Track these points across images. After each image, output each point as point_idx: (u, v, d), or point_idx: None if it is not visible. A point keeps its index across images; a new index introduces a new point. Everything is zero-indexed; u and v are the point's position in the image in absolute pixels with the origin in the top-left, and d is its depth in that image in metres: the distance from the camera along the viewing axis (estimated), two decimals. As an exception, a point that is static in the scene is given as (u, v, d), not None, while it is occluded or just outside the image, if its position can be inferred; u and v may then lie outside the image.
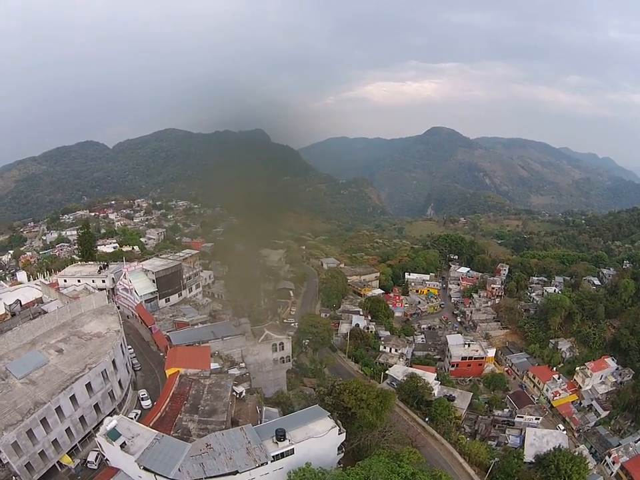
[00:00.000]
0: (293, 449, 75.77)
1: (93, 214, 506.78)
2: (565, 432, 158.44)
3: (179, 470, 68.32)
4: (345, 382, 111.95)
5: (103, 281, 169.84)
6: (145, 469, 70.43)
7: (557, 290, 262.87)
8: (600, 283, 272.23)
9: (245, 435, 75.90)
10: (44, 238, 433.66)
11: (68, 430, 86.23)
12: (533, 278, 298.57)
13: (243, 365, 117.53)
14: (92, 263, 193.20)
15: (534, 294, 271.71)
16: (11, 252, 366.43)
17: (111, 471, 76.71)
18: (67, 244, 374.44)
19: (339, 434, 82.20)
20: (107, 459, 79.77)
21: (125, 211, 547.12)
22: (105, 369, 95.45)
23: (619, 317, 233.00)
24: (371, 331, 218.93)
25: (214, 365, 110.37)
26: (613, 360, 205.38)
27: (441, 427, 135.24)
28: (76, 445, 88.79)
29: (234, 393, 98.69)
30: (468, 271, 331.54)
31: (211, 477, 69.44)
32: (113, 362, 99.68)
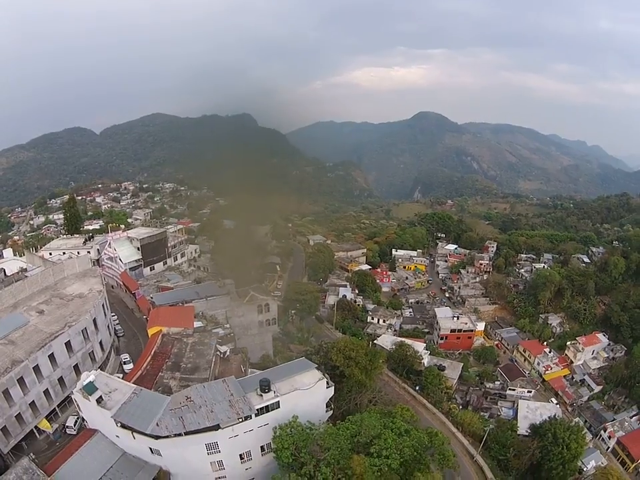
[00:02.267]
0: (279, 402, 72.76)
1: (80, 197, 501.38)
2: (558, 405, 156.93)
3: (157, 425, 65.70)
4: (332, 341, 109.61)
5: (88, 252, 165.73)
6: (122, 426, 67.93)
7: (545, 266, 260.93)
8: (589, 261, 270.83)
9: (228, 388, 72.84)
10: (31, 222, 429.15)
11: (46, 392, 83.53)
12: (522, 255, 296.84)
13: (227, 326, 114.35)
14: (77, 236, 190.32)
15: (522, 270, 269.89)
16: (4, 255, 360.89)
17: (88, 433, 74.24)
18: (54, 225, 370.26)
19: (327, 387, 79.20)
20: (85, 422, 77.14)
21: (111, 194, 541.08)
22: (85, 328, 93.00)
23: (609, 293, 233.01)
24: (359, 304, 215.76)
25: (197, 324, 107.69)
26: (604, 335, 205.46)
27: (431, 396, 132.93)
28: (55, 409, 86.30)
29: (218, 352, 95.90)
30: (456, 248, 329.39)
31: (191, 433, 66.90)
32: (94, 321, 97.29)
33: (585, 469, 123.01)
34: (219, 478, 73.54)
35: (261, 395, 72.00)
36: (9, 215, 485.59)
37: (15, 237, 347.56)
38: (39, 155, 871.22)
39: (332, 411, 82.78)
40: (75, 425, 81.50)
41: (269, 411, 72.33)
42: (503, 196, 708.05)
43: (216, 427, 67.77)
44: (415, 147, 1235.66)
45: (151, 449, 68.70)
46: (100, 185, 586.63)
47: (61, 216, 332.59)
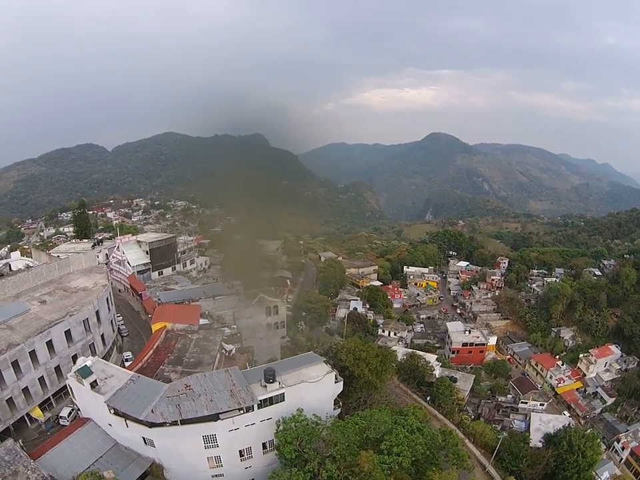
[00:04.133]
0: (284, 394, 69.12)
1: (91, 212, 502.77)
2: (570, 418, 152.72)
3: (152, 411, 62.47)
4: (342, 342, 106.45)
5: (97, 256, 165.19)
6: (115, 413, 65.08)
7: (557, 280, 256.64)
8: (601, 274, 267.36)
9: (230, 377, 69.48)
10: (42, 234, 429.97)
11: (41, 379, 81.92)
12: (533, 270, 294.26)
13: (234, 326, 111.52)
14: (86, 240, 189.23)
15: (534, 285, 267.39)
16: (9, 246, 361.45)
17: (80, 422, 71.89)
18: (64, 236, 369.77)
19: (335, 382, 75.64)
20: (79, 411, 74.50)
21: (123, 210, 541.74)
22: (87, 318, 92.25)
23: (621, 305, 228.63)
24: (370, 318, 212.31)
25: (203, 322, 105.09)
26: (617, 347, 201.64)
27: (443, 407, 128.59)
28: (49, 398, 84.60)
29: (223, 350, 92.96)
30: (467, 265, 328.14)
31: (188, 422, 63.66)
32: (97, 313, 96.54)
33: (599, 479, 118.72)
34: (216, 476, 69.99)
35: (265, 386, 68.45)
36: (20, 226, 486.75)
37: (24, 246, 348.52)
38: (50, 169, 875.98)
39: (340, 409, 78.78)
40: (68, 416, 79.33)
41: (272, 404, 68.74)
42: (514, 216, 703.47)
43: (215, 418, 64.43)
44: (426, 168, 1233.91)
45: (144, 439, 65.47)
46: (111, 201, 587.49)
47: (71, 229, 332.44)
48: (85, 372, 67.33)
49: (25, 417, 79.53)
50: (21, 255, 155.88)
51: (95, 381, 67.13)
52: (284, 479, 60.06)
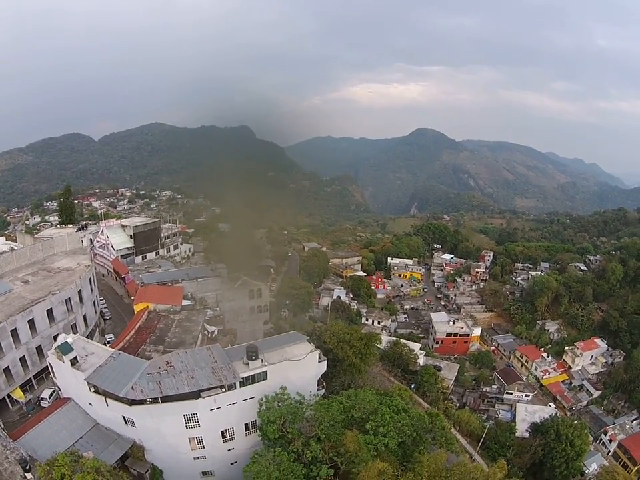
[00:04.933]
0: (266, 372, 67.51)
1: (76, 201, 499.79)
2: (556, 410, 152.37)
3: (132, 388, 60.53)
4: (326, 325, 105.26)
5: (81, 240, 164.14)
6: (95, 391, 63.22)
7: (543, 274, 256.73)
8: (587, 269, 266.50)
9: (212, 355, 67.67)
10: (27, 222, 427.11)
11: (23, 360, 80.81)
12: (518, 264, 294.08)
13: (217, 309, 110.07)
14: (71, 226, 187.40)
15: (519, 278, 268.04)
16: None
17: (61, 402, 69.90)
18: (49, 225, 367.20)
19: (319, 361, 74.22)
20: (59, 391, 72.34)
21: (108, 199, 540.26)
22: (69, 298, 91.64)
23: (607, 300, 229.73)
24: (353, 308, 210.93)
25: (186, 303, 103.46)
26: (602, 341, 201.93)
27: (427, 395, 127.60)
28: (30, 379, 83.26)
29: (205, 332, 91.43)
30: (452, 257, 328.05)
31: (168, 400, 61.93)
32: (79, 293, 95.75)
33: (587, 471, 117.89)
34: (198, 458, 68.48)
35: (248, 364, 66.79)
36: (5, 215, 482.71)
37: (10, 234, 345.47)
38: (37, 159, 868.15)
39: (324, 390, 77.34)
40: (50, 398, 77.80)
41: (255, 382, 67.09)
42: (500, 212, 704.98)
43: (196, 396, 62.73)
44: (412, 163, 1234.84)
45: (124, 418, 63.70)
46: (97, 190, 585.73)
47: (57, 217, 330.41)
48: (65, 348, 65.47)
49: (6, 399, 78.32)
50: (6, 241, 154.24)
51: (76, 357, 65.26)
52: (267, 459, 58.52)
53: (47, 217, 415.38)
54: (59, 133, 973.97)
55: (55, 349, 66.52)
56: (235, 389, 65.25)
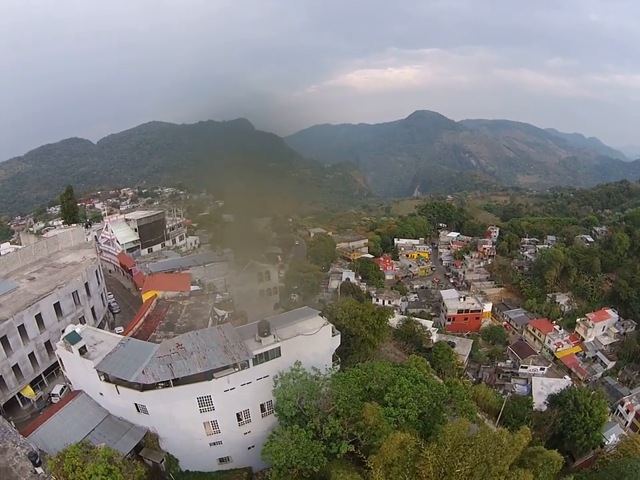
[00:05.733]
0: (280, 348, 65.73)
1: (79, 204, 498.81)
2: (572, 382, 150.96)
3: (143, 372, 58.96)
4: (337, 302, 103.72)
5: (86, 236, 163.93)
6: (105, 380, 61.66)
7: (550, 247, 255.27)
8: (593, 240, 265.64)
9: (223, 334, 65.93)
10: (31, 229, 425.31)
11: (32, 356, 79.46)
12: (525, 239, 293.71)
13: (226, 293, 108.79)
14: (75, 225, 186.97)
15: (526, 252, 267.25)
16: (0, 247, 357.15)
17: (72, 395, 68.19)
18: (53, 228, 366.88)
19: (333, 335, 72.48)
20: (70, 384, 70.90)
21: (111, 200, 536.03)
22: (76, 291, 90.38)
23: (616, 270, 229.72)
24: (363, 289, 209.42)
25: (194, 288, 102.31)
26: (613, 311, 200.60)
27: (443, 372, 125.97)
28: (41, 376, 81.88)
29: (215, 317, 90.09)
30: (458, 235, 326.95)
31: (181, 383, 60.65)
32: (86, 286, 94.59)
33: (606, 442, 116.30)
34: (214, 444, 67.05)
35: (260, 340, 65.21)
36: (9, 224, 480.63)
37: (15, 241, 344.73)
38: (37, 166, 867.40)
39: (339, 365, 75.71)
40: (61, 394, 76.33)
41: (268, 359, 65.37)
42: (503, 189, 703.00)
43: (209, 377, 61.17)
44: (412, 145, 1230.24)
45: (136, 405, 62.20)
46: (99, 192, 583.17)
47: (61, 222, 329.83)
48: (73, 337, 63.95)
49: (17, 397, 77.20)
50: (11, 244, 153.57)
51: (84, 346, 63.67)
52: (285, 437, 57.02)
53: (50, 222, 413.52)
54: (57, 139, 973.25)
55: (62, 339, 65.06)
56: (248, 367, 63.60)
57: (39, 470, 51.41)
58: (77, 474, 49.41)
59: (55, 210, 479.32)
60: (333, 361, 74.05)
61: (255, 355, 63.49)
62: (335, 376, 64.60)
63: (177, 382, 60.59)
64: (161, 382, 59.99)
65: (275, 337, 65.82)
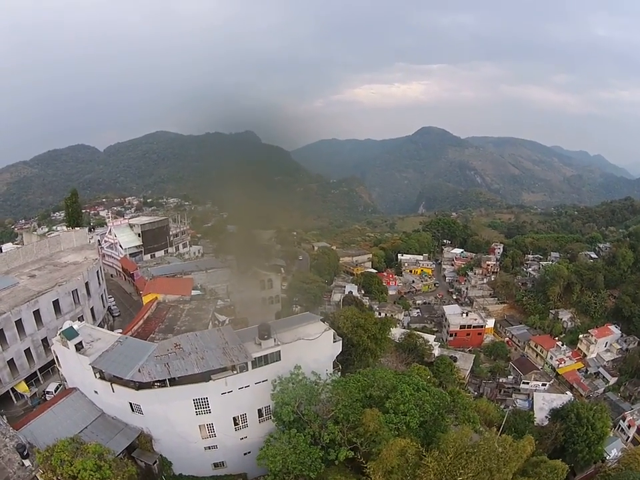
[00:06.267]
0: (280, 352, 64.51)
1: (83, 211, 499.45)
2: (574, 398, 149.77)
3: (139, 371, 57.89)
4: (339, 311, 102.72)
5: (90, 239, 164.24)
6: (101, 377, 60.67)
7: (553, 263, 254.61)
8: (597, 256, 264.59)
9: (223, 336, 64.95)
10: (35, 233, 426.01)
11: (28, 352, 79.17)
12: (528, 256, 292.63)
13: (227, 300, 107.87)
14: (78, 228, 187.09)
15: (530, 269, 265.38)
16: (2, 247, 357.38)
17: (66, 392, 67.20)
18: (57, 233, 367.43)
19: (334, 342, 71.37)
20: (65, 382, 69.92)
21: (115, 208, 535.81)
22: (76, 290, 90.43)
23: (619, 286, 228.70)
24: (365, 304, 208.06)
25: (196, 293, 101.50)
26: (616, 327, 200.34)
27: (445, 386, 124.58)
28: (36, 373, 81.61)
29: (216, 322, 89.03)
30: (462, 252, 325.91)
31: (177, 383, 59.60)
32: (87, 285, 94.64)
33: (607, 457, 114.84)
34: (209, 448, 65.75)
35: (260, 344, 64.00)
36: (13, 227, 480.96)
37: (18, 244, 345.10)
38: (42, 171, 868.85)
39: (340, 373, 74.51)
40: (55, 392, 75.19)
41: (268, 363, 64.15)
42: (507, 207, 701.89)
43: (206, 379, 60.08)
44: (418, 162, 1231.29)
45: (131, 404, 61.15)
46: (104, 200, 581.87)
47: (65, 227, 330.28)
48: (70, 333, 62.77)
49: (10, 393, 76.55)
50: (13, 244, 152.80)
51: (81, 342, 62.66)
52: (282, 441, 55.93)
53: (54, 227, 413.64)
54: (64, 145, 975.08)
55: (59, 334, 64.21)
56: (247, 370, 62.47)
57: (27, 462, 50.72)
58: (64, 468, 48.63)
59: (60, 215, 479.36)
60: (333, 368, 72.88)
61: (254, 358, 62.35)
62: (336, 381, 63.44)
63: (174, 382, 59.56)
64: (157, 381, 58.99)
65: (275, 340, 64.73)
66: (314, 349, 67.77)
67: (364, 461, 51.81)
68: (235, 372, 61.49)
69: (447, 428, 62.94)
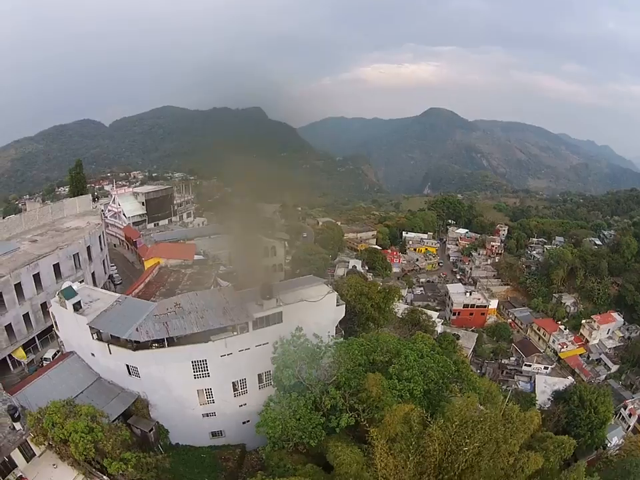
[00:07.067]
0: (281, 314, 62.87)
1: (89, 185, 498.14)
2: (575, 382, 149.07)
3: (137, 330, 56.50)
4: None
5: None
6: (98, 339, 59.18)
7: (557, 247, 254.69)
8: (601, 243, 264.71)
9: (224, 296, 63.64)
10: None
11: (26, 317, 77.21)
12: (533, 239, 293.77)
13: (231, 267, 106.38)
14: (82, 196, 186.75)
15: (534, 252, 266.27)
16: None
17: (63, 356, 66.30)
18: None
19: (337, 305, 69.93)
20: (63, 347, 68.45)
21: (121, 183, 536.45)
22: (77, 253, 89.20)
23: (623, 274, 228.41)
24: (369, 279, 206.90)
25: (198, 257, 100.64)
26: (619, 315, 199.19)
27: (449, 357, 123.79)
28: (34, 339, 79.68)
29: (218, 286, 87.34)
30: (466, 232, 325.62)
31: (176, 344, 58.22)
32: (88, 250, 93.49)
33: (609, 444, 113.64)
34: (207, 415, 64.66)
35: (262, 304, 62.19)
36: (17, 202, 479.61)
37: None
38: (47, 146, 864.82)
39: (342, 338, 72.90)
40: (53, 358, 73.39)
41: (269, 324, 62.51)
42: (513, 191, 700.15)
43: (206, 340, 58.62)
44: (424, 142, 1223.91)
45: (128, 367, 59.72)
46: (109, 174, 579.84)
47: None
48: (68, 293, 61.31)
49: (7, 359, 74.99)
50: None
51: (79, 302, 61.14)
52: (282, 405, 54.54)
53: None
54: (70, 120, 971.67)
55: (57, 294, 62.86)
56: (248, 331, 61.05)
57: (17, 426, 49.12)
58: (56, 431, 47.50)
59: (64, 190, 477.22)
60: (336, 333, 71.35)
61: (255, 319, 60.83)
62: (338, 344, 61.74)
63: (172, 343, 58.21)
64: (154, 342, 57.65)
65: (277, 300, 63.04)
66: (316, 311, 66.13)
67: (367, 425, 50.26)
68: (235, 333, 60.11)
69: (450, 399, 61.45)
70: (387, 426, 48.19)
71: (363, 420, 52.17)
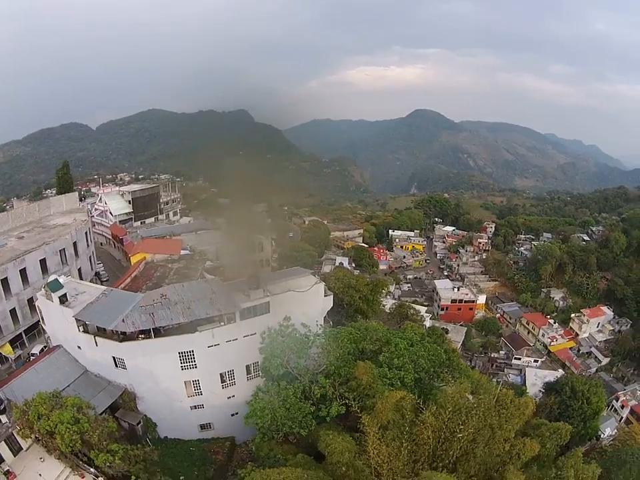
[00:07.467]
0: (269, 304, 62.08)
1: (75, 188, 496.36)
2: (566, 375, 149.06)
3: (123, 321, 55.72)
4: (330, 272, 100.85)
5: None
6: (84, 331, 58.48)
7: (545, 242, 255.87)
8: (589, 239, 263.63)
9: (210, 287, 62.77)
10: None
11: (13, 312, 77.16)
12: (520, 236, 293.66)
13: (217, 262, 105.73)
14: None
15: (522, 248, 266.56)
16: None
17: (49, 350, 65.68)
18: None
19: (325, 296, 69.02)
20: (50, 341, 67.46)
21: (107, 185, 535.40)
22: (64, 249, 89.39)
23: (611, 269, 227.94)
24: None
25: (185, 252, 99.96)
26: (608, 308, 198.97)
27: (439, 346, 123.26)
28: (21, 335, 79.45)
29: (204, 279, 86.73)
30: (453, 229, 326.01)
31: (162, 334, 57.59)
32: (75, 245, 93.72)
33: (602, 435, 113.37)
34: (195, 407, 63.78)
35: (248, 295, 61.42)
36: (5, 205, 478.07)
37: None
38: (35, 149, 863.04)
39: (331, 327, 72.26)
40: (40, 353, 72.22)
41: (256, 315, 61.63)
42: (500, 190, 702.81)
43: (192, 330, 57.94)
44: (411, 144, 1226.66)
45: (114, 359, 58.94)
46: (96, 176, 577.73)
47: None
48: (54, 285, 60.79)
49: (-6, 355, 73.99)
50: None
51: (65, 295, 60.74)
52: (271, 394, 53.79)
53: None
54: (57, 124, 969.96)
55: (43, 287, 62.45)
56: (235, 322, 60.22)
57: (4, 419, 48.87)
58: (42, 423, 46.89)
59: (52, 193, 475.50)
60: (324, 323, 70.51)
61: (243, 309, 60.03)
62: (327, 332, 61.18)
63: (159, 334, 57.55)
64: (141, 333, 56.98)
65: (264, 291, 62.31)
66: (304, 302, 65.30)
67: (359, 411, 49.61)
68: (223, 323, 59.41)
69: (442, 387, 60.99)
70: (378, 413, 47.66)
71: (355, 408, 51.51)
